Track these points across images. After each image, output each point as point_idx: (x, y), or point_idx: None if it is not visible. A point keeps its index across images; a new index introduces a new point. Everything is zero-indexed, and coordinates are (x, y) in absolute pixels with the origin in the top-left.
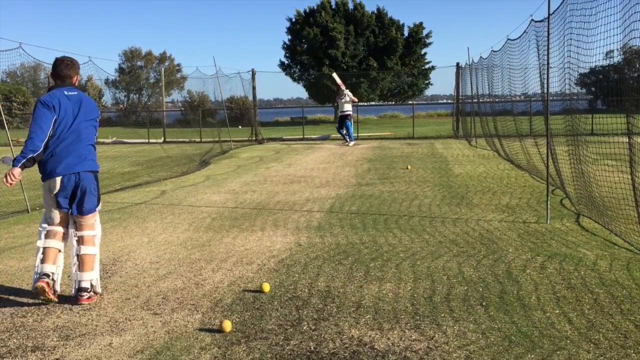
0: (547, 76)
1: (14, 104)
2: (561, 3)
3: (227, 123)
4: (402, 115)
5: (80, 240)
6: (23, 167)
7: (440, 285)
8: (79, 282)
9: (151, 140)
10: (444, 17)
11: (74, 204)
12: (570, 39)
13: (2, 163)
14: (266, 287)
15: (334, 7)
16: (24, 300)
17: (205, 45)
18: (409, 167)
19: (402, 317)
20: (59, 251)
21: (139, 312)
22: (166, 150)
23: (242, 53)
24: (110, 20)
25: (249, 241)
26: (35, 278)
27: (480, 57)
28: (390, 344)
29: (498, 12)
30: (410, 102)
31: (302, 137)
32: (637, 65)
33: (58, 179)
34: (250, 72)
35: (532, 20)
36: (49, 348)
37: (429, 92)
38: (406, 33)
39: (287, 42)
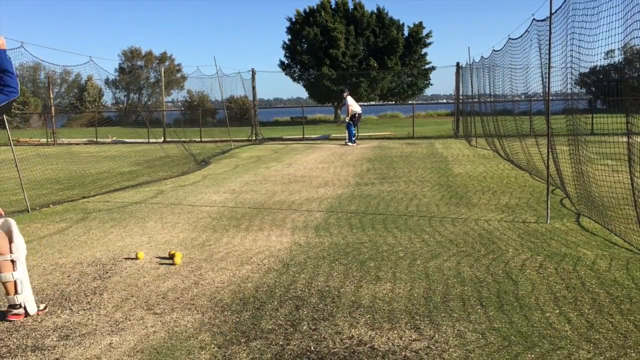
0: (549, 76)
1: (14, 103)
2: (563, 2)
3: (227, 123)
4: (402, 115)
5: None
6: None
7: (439, 285)
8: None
9: (151, 140)
10: (444, 17)
11: None
12: (572, 39)
13: None
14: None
15: (334, 7)
16: None
17: (205, 45)
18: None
19: (402, 316)
20: None
21: (139, 312)
22: (166, 150)
23: (242, 53)
24: (111, 20)
25: (249, 241)
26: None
27: (482, 56)
28: (390, 344)
29: (499, 11)
30: (410, 102)
31: (302, 136)
32: (638, 65)
33: None
34: (250, 72)
35: (534, 19)
36: (49, 348)
37: (429, 92)
38: (406, 33)
39: (287, 42)
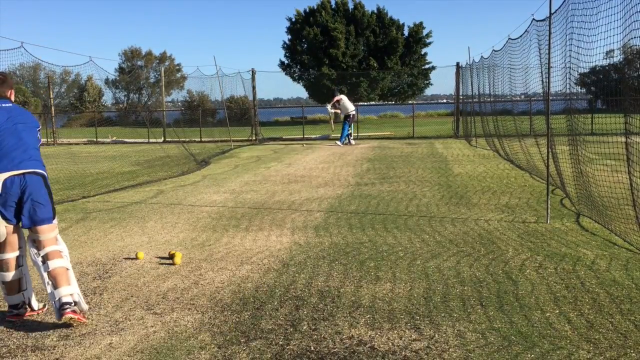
0: (549, 76)
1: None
2: (563, 2)
3: (227, 123)
4: (402, 115)
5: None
6: None
7: (439, 284)
8: (60, 298)
9: (151, 140)
10: (444, 17)
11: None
12: (572, 39)
13: None
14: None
15: (334, 6)
16: None
17: (205, 45)
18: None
19: (401, 316)
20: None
21: (138, 312)
22: (166, 150)
23: (242, 53)
24: (111, 20)
25: (248, 241)
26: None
27: (481, 56)
28: (390, 344)
29: (499, 11)
30: (410, 101)
31: (302, 136)
32: (638, 65)
33: None
34: (250, 72)
35: (533, 19)
36: (49, 348)
37: (429, 91)
38: (406, 33)
39: (287, 42)
